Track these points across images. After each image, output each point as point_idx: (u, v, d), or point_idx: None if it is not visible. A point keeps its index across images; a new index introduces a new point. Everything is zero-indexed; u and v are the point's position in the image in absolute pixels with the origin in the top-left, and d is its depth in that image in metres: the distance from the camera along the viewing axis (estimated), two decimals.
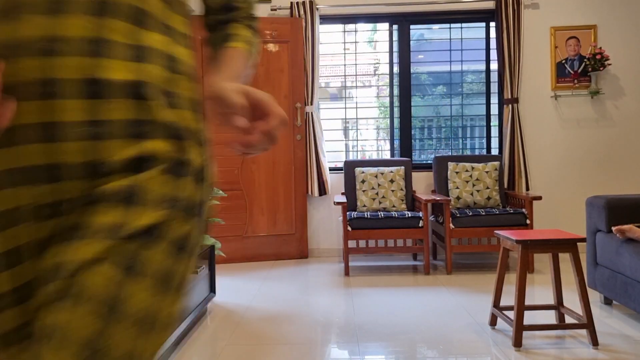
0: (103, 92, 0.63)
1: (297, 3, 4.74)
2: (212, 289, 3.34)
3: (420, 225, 4.14)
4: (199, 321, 3.08)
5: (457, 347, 2.60)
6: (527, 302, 2.73)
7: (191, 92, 0.74)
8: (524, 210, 4.15)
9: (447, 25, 4.96)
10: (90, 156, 0.63)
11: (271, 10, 4.83)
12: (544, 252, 2.72)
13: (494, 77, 4.91)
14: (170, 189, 0.66)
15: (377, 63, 5.73)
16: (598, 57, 4.66)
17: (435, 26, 5.15)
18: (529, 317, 2.99)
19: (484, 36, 4.96)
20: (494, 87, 4.95)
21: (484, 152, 5.04)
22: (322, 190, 4.80)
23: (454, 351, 2.56)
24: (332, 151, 5.10)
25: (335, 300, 3.48)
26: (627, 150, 4.84)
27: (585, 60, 4.75)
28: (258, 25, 0.96)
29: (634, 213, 3.06)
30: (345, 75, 5.11)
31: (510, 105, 4.72)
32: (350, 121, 5.21)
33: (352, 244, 4.44)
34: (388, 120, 5.09)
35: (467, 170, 4.47)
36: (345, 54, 5.09)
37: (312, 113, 4.75)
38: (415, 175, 4.75)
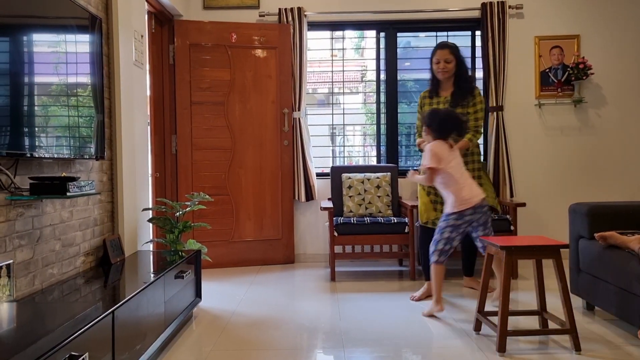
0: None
1: (286, 9, 4.76)
2: (198, 294, 3.33)
3: (406, 230, 4.16)
4: (185, 326, 3.06)
5: (442, 353, 2.62)
6: (511, 308, 2.76)
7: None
8: (508, 216, 4.19)
9: (434, 34, 5.01)
10: None
11: (259, 16, 4.85)
12: (528, 258, 2.75)
13: (480, 85, 4.96)
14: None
15: (364, 70, 5.76)
16: (581, 66, 4.73)
17: (422, 34, 5.20)
18: (513, 323, 3.02)
19: (470, 45, 5.02)
20: None
21: None
22: (309, 196, 4.81)
23: (439, 356, 2.58)
24: (319, 157, 5.11)
25: (321, 306, 3.48)
26: (609, 158, 4.91)
27: (568, 69, 4.83)
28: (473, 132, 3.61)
29: (616, 220, 3.11)
30: (332, 82, 5.14)
31: (495, 113, 4.78)
32: (337, 127, 5.24)
33: (338, 249, 4.45)
34: (375, 127, 5.12)
35: None
36: (332, 60, 5.12)
37: (299, 119, 4.77)
38: (402, 181, 4.77)
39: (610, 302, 2.85)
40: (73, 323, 1.78)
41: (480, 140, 5.03)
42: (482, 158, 3.83)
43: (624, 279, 2.69)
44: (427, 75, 3.92)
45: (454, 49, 3.73)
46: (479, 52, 4.92)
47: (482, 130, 3.72)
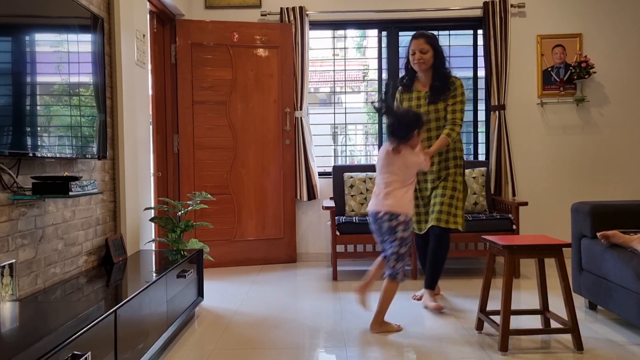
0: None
1: (287, 9, 4.76)
2: (200, 293, 3.33)
3: None
4: (187, 325, 3.07)
5: (444, 351, 2.62)
6: (513, 307, 2.76)
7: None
8: (510, 215, 4.19)
9: (435, 33, 4.98)
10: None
11: (261, 15, 4.85)
12: (530, 258, 2.74)
13: (482, 84, 4.96)
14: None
15: (366, 69, 5.76)
16: (583, 65, 4.72)
17: None
18: (515, 322, 3.01)
19: (472, 43, 5.01)
20: (482, 94, 5.00)
21: (471, 158, 5.08)
22: (311, 195, 4.81)
23: (441, 355, 2.57)
24: (321, 156, 5.11)
25: (323, 305, 3.48)
26: (611, 157, 4.90)
27: (570, 68, 4.82)
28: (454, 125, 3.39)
29: (618, 219, 3.11)
30: (334, 81, 5.13)
31: (497, 112, 4.77)
32: (339, 126, 5.23)
33: (340, 248, 4.45)
34: (377, 126, 5.12)
35: None
36: (334, 59, 5.11)
37: (301, 118, 4.77)
38: None
39: (613, 302, 2.85)
40: (75, 322, 1.78)
41: (482, 140, 5.06)
42: (464, 154, 3.57)
43: (627, 278, 2.69)
44: None
45: (430, 39, 3.42)
46: (480, 51, 4.91)
47: (462, 123, 3.41)
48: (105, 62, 2.87)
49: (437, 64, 3.42)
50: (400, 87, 3.59)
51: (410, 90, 3.52)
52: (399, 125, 2.94)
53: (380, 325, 2.95)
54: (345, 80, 5.17)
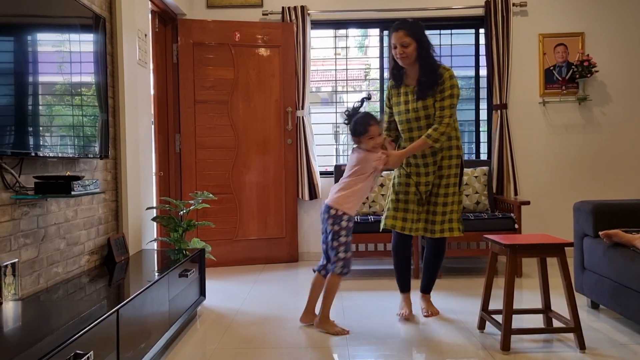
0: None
1: (289, 8, 4.76)
2: (202, 292, 3.33)
3: None
4: (189, 325, 3.07)
5: (446, 351, 2.62)
6: (515, 306, 2.75)
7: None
8: (512, 214, 4.18)
9: (437, 32, 5.00)
10: None
11: (263, 15, 4.85)
12: (532, 257, 2.74)
13: (483, 82, 4.95)
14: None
15: (368, 68, 5.75)
16: (585, 64, 4.71)
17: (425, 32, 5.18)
18: (517, 321, 3.01)
19: (474, 42, 5.00)
20: (483, 93, 4.99)
21: (473, 157, 5.08)
22: (313, 194, 4.81)
23: (443, 354, 2.57)
24: (322, 155, 5.11)
25: None
26: (614, 156, 4.90)
27: (573, 67, 4.81)
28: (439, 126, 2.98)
29: (620, 218, 3.10)
30: (336, 80, 5.13)
31: (499, 111, 4.77)
32: (341, 125, 5.23)
33: None
34: None
35: None
36: (336, 59, 5.11)
37: (303, 117, 4.76)
38: None
39: (615, 301, 2.85)
40: (78, 321, 1.79)
41: (484, 139, 5.05)
42: (458, 157, 3.13)
43: (629, 277, 2.68)
44: None
45: (411, 30, 3.04)
46: (482, 50, 4.91)
47: (449, 121, 2.96)
48: (107, 62, 2.87)
49: (421, 57, 3.04)
50: (390, 82, 3.27)
51: (399, 85, 3.19)
52: (353, 123, 3.06)
53: (324, 322, 2.92)
54: (346, 80, 5.16)
